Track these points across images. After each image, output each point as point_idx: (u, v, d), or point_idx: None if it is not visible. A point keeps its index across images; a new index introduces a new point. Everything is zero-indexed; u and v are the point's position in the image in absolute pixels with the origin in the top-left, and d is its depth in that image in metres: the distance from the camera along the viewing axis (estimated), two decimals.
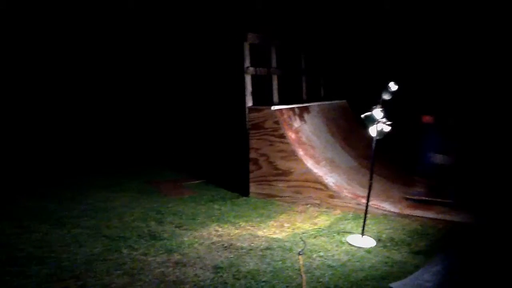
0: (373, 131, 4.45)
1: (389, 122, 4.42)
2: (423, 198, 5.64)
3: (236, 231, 4.75)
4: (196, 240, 4.45)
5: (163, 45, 9.55)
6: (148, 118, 9.66)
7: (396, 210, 5.27)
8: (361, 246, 4.33)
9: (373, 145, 4.49)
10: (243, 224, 4.99)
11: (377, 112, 4.40)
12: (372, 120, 4.41)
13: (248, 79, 6.33)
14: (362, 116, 4.49)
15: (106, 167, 7.91)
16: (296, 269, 3.77)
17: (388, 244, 4.39)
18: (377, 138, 4.45)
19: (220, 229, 4.81)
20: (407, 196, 5.76)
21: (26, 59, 8.62)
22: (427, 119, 5.93)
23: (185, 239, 4.47)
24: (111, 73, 9.55)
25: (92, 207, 5.55)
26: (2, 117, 8.28)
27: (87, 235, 4.54)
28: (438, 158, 5.78)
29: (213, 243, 4.38)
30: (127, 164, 8.25)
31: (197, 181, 7.01)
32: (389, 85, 4.43)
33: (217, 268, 3.77)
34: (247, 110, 6.19)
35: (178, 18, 9.23)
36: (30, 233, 4.54)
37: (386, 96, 4.45)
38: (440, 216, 5.09)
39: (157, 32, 9.48)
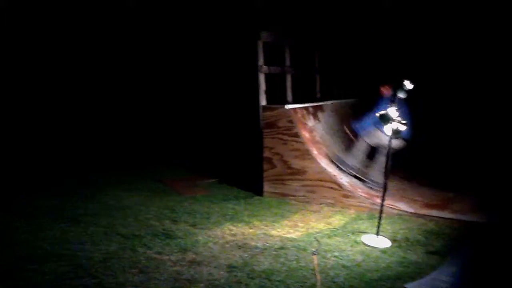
0: (387, 130, 4.41)
1: (404, 121, 4.38)
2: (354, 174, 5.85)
3: (250, 230, 4.76)
4: (210, 239, 4.46)
5: (176, 44, 9.59)
6: (161, 116, 9.70)
7: (411, 210, 5.23)
8: (376, 246, 4.30)
9: (388, 144, 4.46)
10: (257, 223, 4.99)
11: (392, 111, 4.37)
12: (387, 119, 4.38)
13: (261, 78, 6.33)
14: (377, 114, 4.46)
15: (119, 166, 7.97)
16: (310, 269, 3.76)
17: (403, 244, 4.36)
18: (392, 137, 4.42)
19: (234, 228, 4.81)
20: (341, 167, 5.94)
21: (36, 58, 8.70)
22: (384, 89, 5.85)
23: (199, 238, 4.48)
24: (124, 71, 9.62)
25: (107, 205, 5.60)
26: (17, 116, 8.39)
27: (103, 233, 4.57)
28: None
29: (227, 242, 4.39)
30: (140, 162, 8.30)
31: (211, 180, 7.03)
32: (404, 83, 4.40)
33: (231, 267, 3.77)
34: (261, 109, 6.19)
35: (192, 16, 9.25)
36: (47, 231, 4.58)
37: (401, 95, 4.42)
38: (456, 216, 5.04)
39: (170, 31, 9.52)
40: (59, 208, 5.40)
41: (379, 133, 5.52)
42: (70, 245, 4.21)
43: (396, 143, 5.01)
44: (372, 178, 5.84)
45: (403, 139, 5.38)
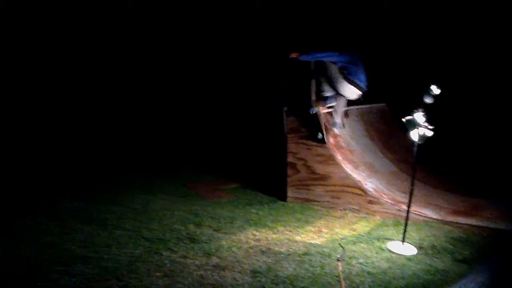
0: (414, 135, 4.35)
1: (431, 127, 4.32)
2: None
3: (274, 235, 4.75)
4: (234, 243, 4.47)
5: (203, 48, 9.67)
6: (186, 119, 9.78)
7: (438, 217, 5.14)
8: (402, 253, 4.24)
9: (415, 149, 4.40)
10: (280, 228, 4.98)
11: (419, 116, 4.31)
12: (413, 124, 4.32)
13: (286, 82, 6.32)
14: (403, 120, 4.40)
15: (144, 169, 8.05)
16: (335, 276, 3.73)
17: (430, 251, 4.28)
18: (419, 142, 4.35)
19: (257, 233, 4.81)
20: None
21: (56, 60, 8.83)
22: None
23: (223, 242, 4.50)
24: (150, 73, 9.74)
25: (132, 209, 5.66)
26: (40, 121, 8.56)
27: (128, 236, 4.63)
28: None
29: (251, 247, 4.39)
30: (164, 166, 8.37)
31: (234, 185, 7.05)
32: (431, 88, 4.33)
33: (255, 273, 3.77)
34: (284, 114, 6.18)
35: (219, 23, 9.33)
36: (74, 234, 4.66)
37: (428, 100, 4.35)
38: (484, 224, 4.92)
39: (197, 36, 9.61)
40: (85, 211, 5.48)
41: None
42: (96, 248, 4.28)
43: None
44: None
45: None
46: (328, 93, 6.03)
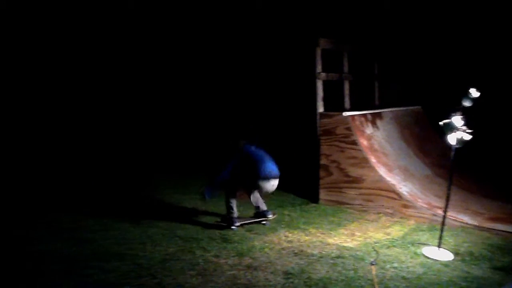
0: (452, 139, 4.26)
1: (469, 130, 4.22)
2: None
3: (306, 237, 4.73)
4: (266, 244, 4.48)
5: (237, 50, 9.71)
6: (218, 120, 9.83)
7: (475, 223, 5.01)
8: (437, 259, 4.15)
9: (452, 154, 4.30)
10: (313, 231, 4.95)
11: (457, 120, 4.21)
12: (451, 128, 4.23)
13: (319, 85, 6.29)
14: (441, 123, 4.32)
15: (174, 170, 8.13)
16: (368, 280, 3.68)
17: (467, 258, 4.18)
18: (457, 146, 4.26)
19: (290, 235, 4.81)
20: None
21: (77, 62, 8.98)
22: None
23: (256, 243, 4.51)
24: (189, 76, 9.85)
25: (166, 208, 5.76)
26: (74, 123, 8.76)
27: (162, 235, 4.71)
28: None
29: (283, 248, 4.39)
30: (195, 167, 8.40)
31: None
32: (469, 91, 4.23)
33: (287, 274, 3.77)
34: (318, 116, 6.15)
35: (250, 23, 9.35)
36: (110, 231, 4.78)
37: (466, 103, 4.25)
38: None
39: (228, 37, 9.66)
40: (121, 210, 5.61)
41: None
42: (132, 245, 4.37)
43: None
44: None
45: None
46: None
